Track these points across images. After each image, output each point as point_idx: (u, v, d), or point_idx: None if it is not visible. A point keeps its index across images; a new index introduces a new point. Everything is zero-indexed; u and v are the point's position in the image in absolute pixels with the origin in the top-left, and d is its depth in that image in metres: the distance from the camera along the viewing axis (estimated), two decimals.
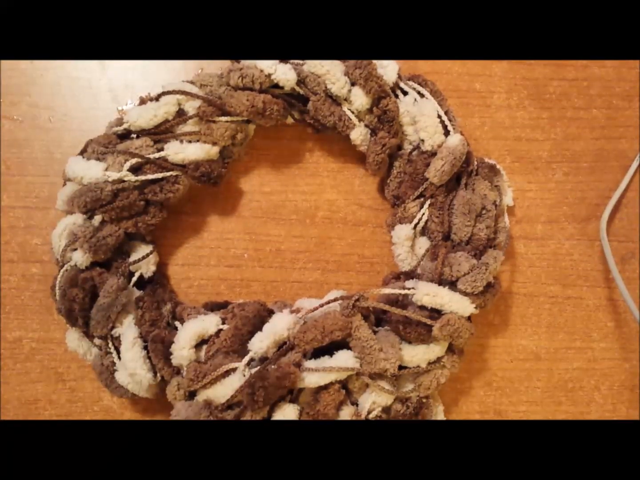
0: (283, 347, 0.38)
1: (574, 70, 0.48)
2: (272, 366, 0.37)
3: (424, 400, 0.40)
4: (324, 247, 0.45)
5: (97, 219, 0.40)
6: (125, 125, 0.41)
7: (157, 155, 0.40)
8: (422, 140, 0.42)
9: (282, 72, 0.40)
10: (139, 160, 0.39)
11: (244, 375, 0.37)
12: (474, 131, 0.47)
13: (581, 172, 0.47)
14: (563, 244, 0.46)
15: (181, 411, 0.37)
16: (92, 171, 0.39)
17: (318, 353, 0.39)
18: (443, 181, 0.41)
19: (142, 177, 0.40)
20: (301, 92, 0.42)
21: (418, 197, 0.42)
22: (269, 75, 0.40)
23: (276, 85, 0.41)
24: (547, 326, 0.45)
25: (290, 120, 0.43)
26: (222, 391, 0.37)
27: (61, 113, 0.45)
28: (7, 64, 0.45)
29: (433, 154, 0.42)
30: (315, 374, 0.38)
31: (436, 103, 0.42)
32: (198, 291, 0.44)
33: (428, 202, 0.42)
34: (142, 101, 0.41)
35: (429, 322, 0.38)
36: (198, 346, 0.39)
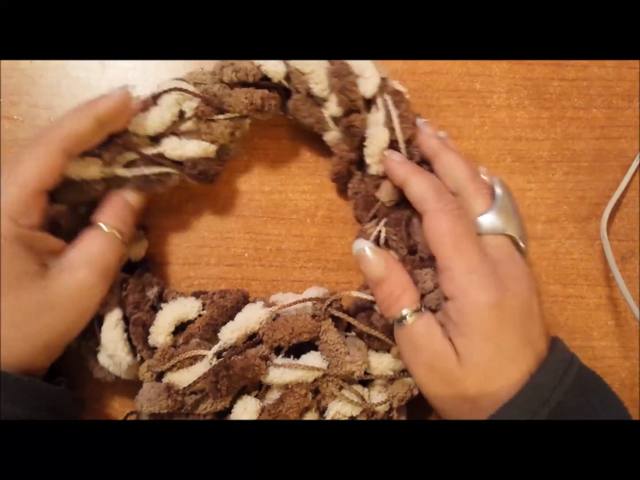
0: (253, 338, 0.39)
1: (574, 70, 0.48)
2: (239, 357, 0.38)
3: (392, 416, 0.40)
4: (324, 246, 0.45)
5: (82, 208, 0.40)
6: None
7: (154, 151, 0.40)
8: (369, 165, 0.42)
9: (272, 64, 0.40)
10: (135, 156, 0.39)
11: (211, 364, 0.38)
12: (474, 131, 0.47)
13: (581, 172, 0.47)
14: (563, 243, 0.46)
15: (145, 392, 0.38)
16: (88, 168, 0.39)
17: (297, 351, 0.39)
18: (393, 202, 0.41)
19: (138, 173, 0.40)
20: (287, 86, 0.42)
21: (373, 218, 0.42)
22: (259, 66, 0.40)
23: (265, 77, 0.41)
24: (548, 325, 0.45)
25: (280, 112, 0.43)
26: (187, 376, 0.38)
27: (61, 113, 0.45)
28: (7, 64, 0.45)
29: (382, 176, 0.42)
30: (280, 370, 0.38)
31: (398, 129, 0.41)
32: (198, 290, 0.44)
33: (383, 221, 0.42)
34: (144, 107, 0.40)
35: (389, 342, 0.39)
36: (181, 331, 0.40)
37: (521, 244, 0.38)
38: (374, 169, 0.42)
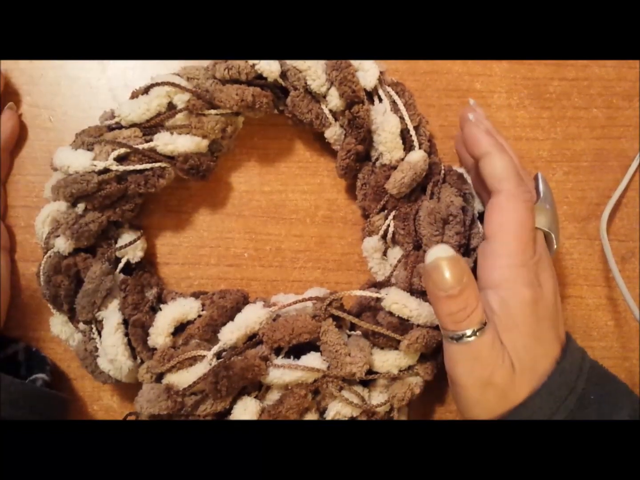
0: (253, 339, 0.39)
1: (574, 70, 0.48)
2: (238, 357, 0.38)
3: (392, 416, 0.40)
4: (324, 246, 0.45)
5: (81, 206, 0.40)
6: (116, 119, 0.41)
7: (146, 145, 0.40)
8: (381, 153, 0.42)
9: (267, 63, 0.40)
10: (127, 150, 0.39)
11: (210, 365, 0.38)
12: None
13: (581, 172, 0.47)
14: (563, 243, 0.46)
15: (144, 393, 0.38)
16: (79, 160, 0.39)
17: (298, 352, 0.39)
18: (402, 193, 0.41)
19: (130, 167, 0.40)
20: (283, 84, 0.42)
21: (382, 210, 0.42)
22: (253, 65, 0.40)
23: (260, 76, 0.41)
24: None
25: (274, 111, 0.43)
26: (187, 377, 0.38)
27: (61, 112, 0.45)
28: (7, 63, 0.45)
29: (393, 167, 0.42)
30: (280, 370, 0.38)
31: (406, 116, 0.41)
32: (198, 291, 0.44)
33: (392, 214, 0.42)
34: (134, 95, 0.41)
35: (397, 337, 0.39)
36: (181, 331, 0.40)
37: (555, 243, 0.39)
38: (386, 157, 0.42)
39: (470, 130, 0.39)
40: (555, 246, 0.39)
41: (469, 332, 0.33)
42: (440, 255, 0.33)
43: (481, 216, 0.43)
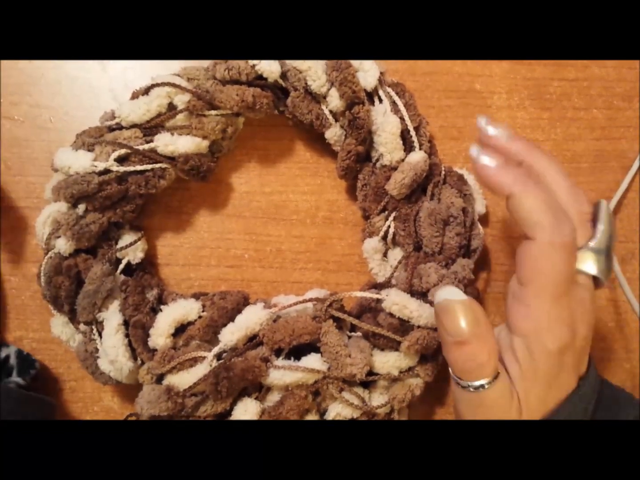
0: (254, 340, 0.39)
1: (574, 71, 0.48)
2: (239, 358, 0.38)
3: (393, 417, 0.40)
4: (324, 247, 0.45)
5: (81, 207, 0.40)
6: (117, 120, 0.41)
7: (146, 146, 0.40)
8: (382, 154, 0.42)
9: (267, 64, 0.40)
10: (127, 150, 0.39)
11: (211, 366, 0.38)
12: (475, 132, 0.46)
13: (581, 173, 0.47)
14: None
15: (145, 394, 0.38)
16: (80, 161, 0.39)
17: (298, 353, 0.39)
18: (402, 194, 0.41)
19: (131, 168, 0.40)
20: (284, 85, 0.42)
21: (382, 211, 0.42)
22: (254, 66, 0.40)
23: (260, 77, 0.41)
24: None
25: (274, 112, 0.43)
26: (187, 378, 0.38)
27: (62, 113, 0.45)
28: (7, 63, 0.45)
29: (394, 167, 0.42)
30: (281, 371, 0.38)
31: (407, 117, 0.41)
32: (198, 292, 0.44)
33: (392, 215, 0.42)
34: (134, 95, 0.42)
35: (397, 338, 0.39)
36: (181, 332, 0.40)
37: (603, 282, 0.34)
38: (386, 158, 0.42)
39: (482, 173, 0.33)
40: (604, 283, 0.34)
41: (479, 384, 0.32)
42: (448, 298, 0.31)
43: (481, 218, 0.43)
